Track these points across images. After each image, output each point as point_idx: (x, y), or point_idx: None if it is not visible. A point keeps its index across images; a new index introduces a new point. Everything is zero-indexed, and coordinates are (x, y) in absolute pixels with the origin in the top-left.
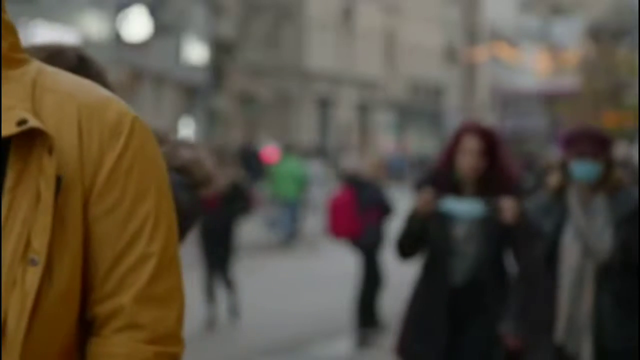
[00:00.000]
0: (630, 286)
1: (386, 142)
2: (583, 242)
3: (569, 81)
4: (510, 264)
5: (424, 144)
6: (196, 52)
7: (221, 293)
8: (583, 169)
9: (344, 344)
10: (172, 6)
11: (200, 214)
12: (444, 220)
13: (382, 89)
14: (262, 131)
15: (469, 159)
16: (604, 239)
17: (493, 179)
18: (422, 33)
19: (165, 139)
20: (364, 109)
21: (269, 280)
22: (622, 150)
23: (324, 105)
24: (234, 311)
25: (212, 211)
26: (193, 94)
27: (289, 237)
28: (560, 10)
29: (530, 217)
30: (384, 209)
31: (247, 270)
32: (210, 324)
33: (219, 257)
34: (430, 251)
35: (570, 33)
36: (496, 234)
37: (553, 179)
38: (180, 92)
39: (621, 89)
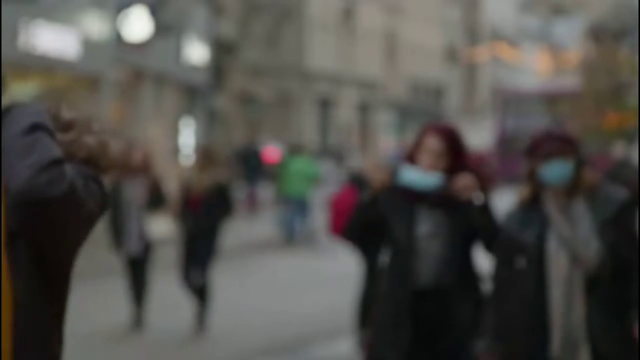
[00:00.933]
0: (620, 294)
1: (386, 142)
2: (570, 251)
3: (572, 81)
4: (480, 265)
5: None
6: (197, 52)
7: (192, 298)
8: (554, 170)
9: (345, 345)
10: (173, 6)
11: (108, 204)
12: (407, 218)
13: (382, 89)
14: (263, 131)
15: (429, 159)
16: (591, 246)
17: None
18: (422, 33)
19: (71, 126)
20: (364, 109)
21: (269, 280)
22: (620, 150)
23: (325, 105)
24: (201, 321)
25: (195, 213)
26: (193, 94)
27: (300, 235)
28: (560, 11)
29: (508, 233)
30: None
31: (247, 270)
32: (201, 324)
33: (197, 261)
34: (394, 250)
35: (570, 33)
36: (461, 232)
37: (523, 191)
38: (180, 92)
39: (622, 89)
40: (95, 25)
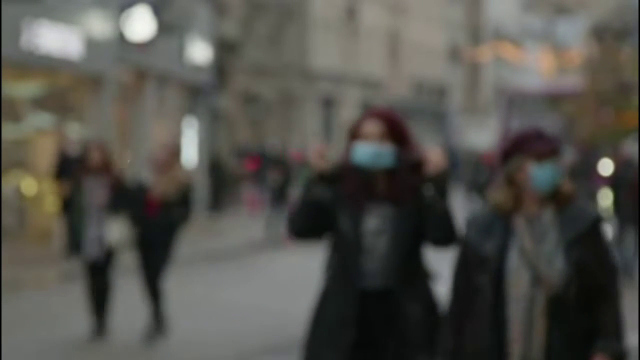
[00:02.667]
0: (584, 320)
1: None
2: (531, 268)
3: (578, 80)
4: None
5: (427, 144)
6: (200, 52)
7: (145, 305)
8: (546, 173)
9: None
10: (176, 6)
11: None
12: (354, 211)
13: (385, 88)
14: (266, 131)
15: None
16: (555, 265)
17: (402, 164)
18: (425, 33)
19: None
20: (367, 108)
21: (270, 280)
22: (629, 149)
23: (328, 104)
24: (155, 329)
25: (152, 217)
26: (196, 93)
27: None
28: (563, 10)
29: (469, 243)
30: None
31: (248, 269)
32: (154, 334)
33: (152, 265)
34: (338, 247)
35: (573, 32)
36: (410, 228)
37: (499, 195)
38: (183, 91)
39: (626, 88)
40: (98, 25)
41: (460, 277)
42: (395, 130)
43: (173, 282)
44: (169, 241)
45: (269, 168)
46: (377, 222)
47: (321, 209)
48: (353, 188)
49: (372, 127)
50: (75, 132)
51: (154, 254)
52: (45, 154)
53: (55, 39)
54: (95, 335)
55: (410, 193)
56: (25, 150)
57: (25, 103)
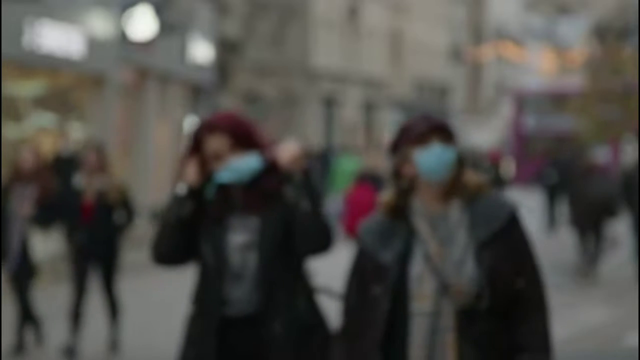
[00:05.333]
0: (502, 335)
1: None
2: (437, 277)
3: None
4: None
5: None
6: (202, 51)
7: (103, 319)
8: (432, 157)
9: None
10: (178, 5)
11: None
12: (214, 230)
13: (387, 87)
14: (268, 130)
15: (215, 163)
16: (465, 272)
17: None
18: (427, 32)
19: None
20: (369, 108)
21: None
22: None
23: (330, 104)
24: (113, 344)
25: (86, 223)
26: (198, 92)
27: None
28: (565, 10)
29: (364, 251)
30: None
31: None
32: (70, 352)
33: (100, 277)
34: (201, 267)
35: (575, 32)
36: (278, 238)
37: (386, 194)
38: (185, 91)
39: (628, 88)
40: (100, 24)
41: (355, 292)
42: (242, 136)
43: (173, 282)
44: (113, 247)
45: None
46: (244, 238)
47: (188, 229)
48: (214, 205)
49: (217, 143)
50: (77, 132)
51: (99, 262)
52: (46, 153)
53: (58, 39)
54: (16, 351)
55: (265, 199)
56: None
57: (27, 102)
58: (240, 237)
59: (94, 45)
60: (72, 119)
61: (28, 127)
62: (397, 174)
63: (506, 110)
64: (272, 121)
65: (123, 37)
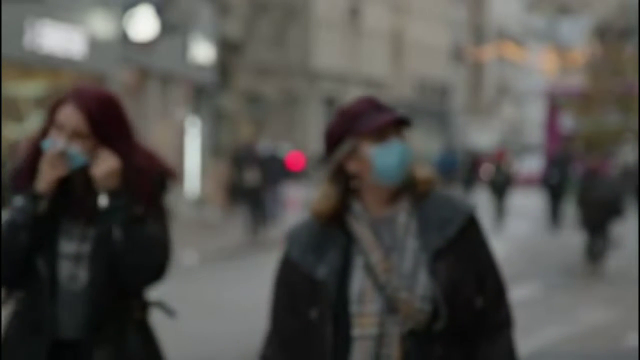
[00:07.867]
0: (455, 359)
1: None
2: (383, 293)
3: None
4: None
5: (429, 143)
6: (203, 52)
7: None
8: (392, 157)
9: None
10: (179, 5)
11: None
12: (46, 235)
13: (388, 88)
14: (269, 130)
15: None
16: (417, 287)
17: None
18: (428, 32)
19: None
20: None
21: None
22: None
23: (331, 104)
24: None
25: None
26: (199, 93)
27: None
28: (566, 10)
29: (294, 266)
30: None
31: (251, 270)
32: None
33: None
34: (28, 284)
35: (576, 32)
36: (108, 251)
37: (322, 198)
38: (186, 91)
39: (629, 88)
40: (101, 25)
41: (285, 315)
42: (100, 123)
43: (174, 283)
44: None
45: (245, 168)
46: (75, 246)
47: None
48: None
49: (68, 116)
50: None
51: None
52: None
53: (58, 39)
54: None
55: (84, 208)
56: None
57: (28, 102)
58: (72, 246)
59: (95, 45)
60: None
61: (29, 128)
62: (337, 173)
63: (506, 110)
64: (273, 121)
65: (124, 38)
